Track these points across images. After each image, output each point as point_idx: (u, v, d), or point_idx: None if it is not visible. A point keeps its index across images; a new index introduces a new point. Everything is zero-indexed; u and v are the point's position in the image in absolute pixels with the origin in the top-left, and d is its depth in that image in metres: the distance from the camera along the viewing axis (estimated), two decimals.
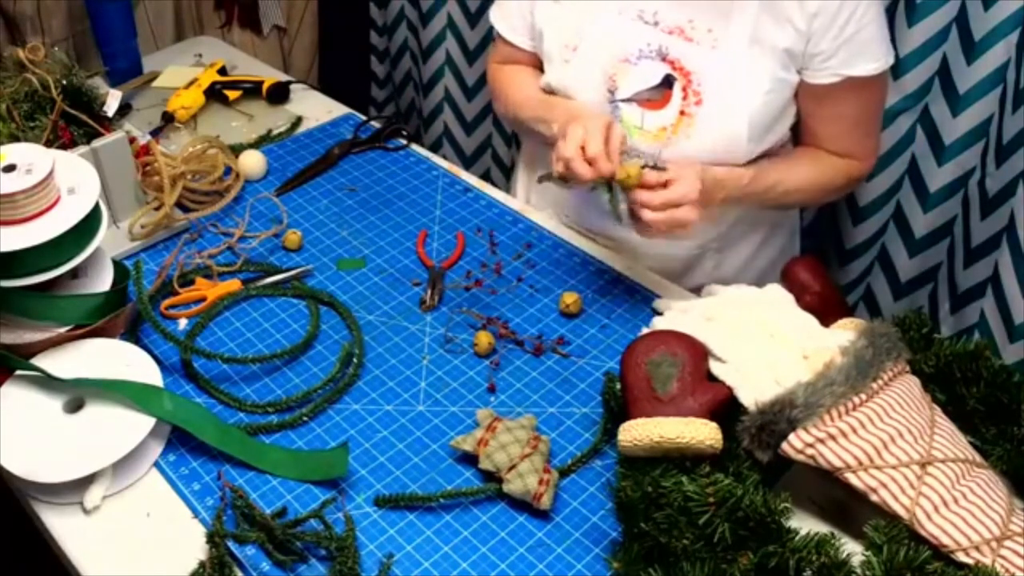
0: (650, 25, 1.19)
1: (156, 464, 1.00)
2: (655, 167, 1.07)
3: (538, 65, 1.32)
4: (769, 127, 1.19)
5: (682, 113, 1.18)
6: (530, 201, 1.43)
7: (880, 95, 1.24)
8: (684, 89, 1.18)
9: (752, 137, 1.17)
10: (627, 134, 1.19)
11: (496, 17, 1.36)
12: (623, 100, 1.21)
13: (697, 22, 1.16)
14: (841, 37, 1.12)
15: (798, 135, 1.27)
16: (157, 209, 1.26)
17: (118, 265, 1.12)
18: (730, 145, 1.17)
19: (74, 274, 1.07)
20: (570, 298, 1.18)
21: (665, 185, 1.05)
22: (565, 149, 1.06)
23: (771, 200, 1.23)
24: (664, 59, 1.18)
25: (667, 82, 1.18)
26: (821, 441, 0.85)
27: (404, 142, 1.51)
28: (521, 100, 1.33)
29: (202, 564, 0.89)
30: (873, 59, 1.14)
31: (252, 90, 1.61)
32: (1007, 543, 0.82)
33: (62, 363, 1.01)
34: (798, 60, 1.16)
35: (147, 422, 0.96)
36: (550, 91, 1.28)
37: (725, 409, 0.89)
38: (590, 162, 1.05)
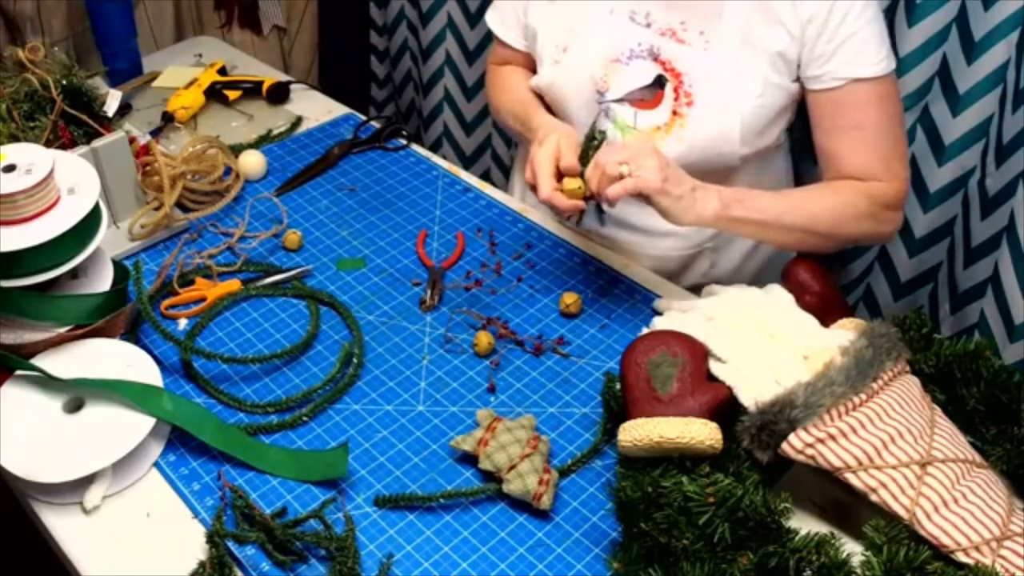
0: (642, 26, 1.19)
1: (156, 464, 1.00)
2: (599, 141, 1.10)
3: (532, 67, 1.32)
4: (761, 131, 1.19)
5: (674, 113, 1.18)
6: (527, 200, 1.44)
7: (892, 106, 1.17)
8: (676, 90, 1.18)
9: (744, 140, 1.17)
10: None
11: (492, 18, 1.37)
12: (615, 100, 1.21)
13: (689, 24, 1.16)
14: (836, 39, 1.12)
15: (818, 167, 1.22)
16: (157, 209, 1.26)
17: (118, 265, 1.12)
18: (721, 145, 1.18)
19: (74, 274, 1.07)
20: (570, 298, 1.18)
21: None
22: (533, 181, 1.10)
23: (775, 222, 1.12)
24: (656, 59, 1.18)
25: (659, 82, 1.18)
26: (821, 441, 0.85)
27: (404, 142, 1.51)
28: (506, 104, 1.34)
29: (202, 564, 0.88)
30: (874, 60, 1.13)
31: (252, 90, 1.61)
32: (1007, 543, 0.82)
33: (62, 363, 1.01)
34: (792, 66, 1.15)
35: (147, 422, 0.97)
36: (541, 92, 1.28)
37: (725, 409, 0.89)
38: (535, 189, 1.08)
